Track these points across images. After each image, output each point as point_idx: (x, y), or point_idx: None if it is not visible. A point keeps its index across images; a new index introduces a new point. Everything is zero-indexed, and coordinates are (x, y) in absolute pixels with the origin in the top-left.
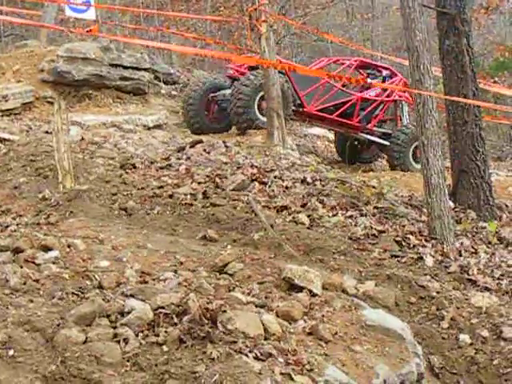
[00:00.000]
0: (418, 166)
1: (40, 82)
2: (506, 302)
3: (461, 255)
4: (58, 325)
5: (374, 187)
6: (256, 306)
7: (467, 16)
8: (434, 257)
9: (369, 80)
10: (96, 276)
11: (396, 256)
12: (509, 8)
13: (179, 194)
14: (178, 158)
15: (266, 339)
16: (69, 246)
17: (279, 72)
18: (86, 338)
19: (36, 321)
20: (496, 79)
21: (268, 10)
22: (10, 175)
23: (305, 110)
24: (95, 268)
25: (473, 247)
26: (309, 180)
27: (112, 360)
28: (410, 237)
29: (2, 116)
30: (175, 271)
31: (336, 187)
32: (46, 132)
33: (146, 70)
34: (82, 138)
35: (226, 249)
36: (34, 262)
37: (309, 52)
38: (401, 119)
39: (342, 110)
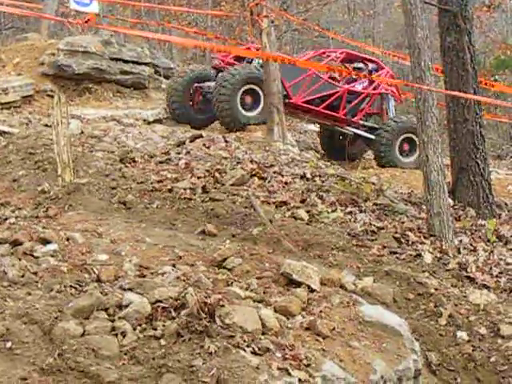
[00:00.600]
0: (405, 161)
1: (40, 75)
2: (504, 299)
3: (459, 253)
4: (56, 317)
5: (373, 184)
6: (254, 301)
7: (469, 14)
8: (432, 254)
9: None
10: (94, 269)
11: (395, 252)
12: (511, 6)
13: (178, 188)
14: (178, 153)
15: (263, 334)
16: (67, 239)
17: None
18: (84, 331)
19: (34, 313)
20: (497, 77)
21: (269, 5)
22: (9, 168)
23: (290, 101)
24: (94, 261)
25: (472, 245)
26: (308, 176)
27: (109, 353)
28: (409, 233)
29: (2, 109)
30: (174, 265)
31: (335, 183)
32: (46, 125)
33: (146, 64)
34: (82, 132)
35: (224, 243)
36: (32, 255)
37: (310, 48)
38: (387, 113)
39: (328, 102)
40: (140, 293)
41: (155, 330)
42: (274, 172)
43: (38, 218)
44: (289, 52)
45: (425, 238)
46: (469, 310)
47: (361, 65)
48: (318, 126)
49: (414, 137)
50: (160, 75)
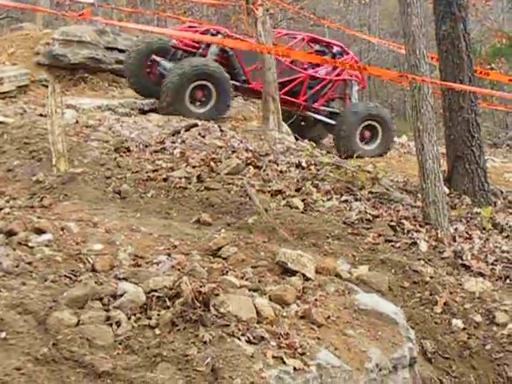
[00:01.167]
0: (366, 148)
1: (35, 64)
2: (500, 287)
3: (455, 241)
4: (51, 307)
5: (369, 172)
6: (249, 290)
7: (464, 1)
8: (428, 242)
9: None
10: (89, 259)
11: (390, 241)
12: None
13: (173, 177)
14: (173, 142)
15: (258, 323)
16: (62, 229)
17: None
18: (79, 320)
19: (28, 303)
20: (493, 65)
21: None
22: (4, 158)
23: (249, 86)
24: (88, 251)
25: (467, 233)
26: (303, 164)
27: (104, 343)
28: (405, 222)
29: None
30: (168, 254)
31: (331, 172)
32: (41, 115)
33: None
34: (77, 122)
35: (219, 232)
36: (27, 245)
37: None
38: (350, 98)
39: (288, 87)
40: (135, 282)
41: (150, 319)
42: (270, 161)
43: (33, 207)
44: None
45: (420, 226)
46: (464, 297)
47: (324, 49)
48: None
49: (376, 124)
50: None
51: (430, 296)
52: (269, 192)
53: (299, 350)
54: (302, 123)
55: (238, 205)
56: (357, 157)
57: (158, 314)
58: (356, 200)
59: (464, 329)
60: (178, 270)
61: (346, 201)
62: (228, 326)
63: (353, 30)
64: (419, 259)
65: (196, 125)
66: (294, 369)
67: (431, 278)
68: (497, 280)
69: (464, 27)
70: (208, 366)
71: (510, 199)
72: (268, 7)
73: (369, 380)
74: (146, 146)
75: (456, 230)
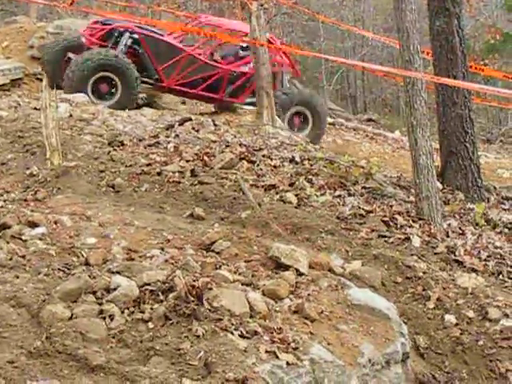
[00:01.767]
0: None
1: (29, 58)
2: (493, 283)
3: (448, 236)
4: (44, 301)
5: (362, 167)
6: (242, 284)
7: None
8: (421, 237)
9: None
10: (82, 253)
11: (383, 236)
12: None
13: (167, 171)
14: (167, 136)
15: (251, 317)
16: (56, 223)
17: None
18: (72, 314)
19: (22, 297)
20: (487, 61)
21: None
22: None
23: (163, 84)
24: (82, 245)
25: (460, 228)
26: (297, 159)
27: (97, 336)
28: (398, 217)
29: None
30: (162, 249)
31: (324, 167)
32: (35, 108)
33: None
34: (71, 115)
35: (213, 227)
36: (20, 238)
37: (300, 32)
38: (282, 86)
39: (206, 83)
40: (128, 276)
41: (143, 313)
42: (263, 155)
43: (27, 201)
44: (278, 36)
45: (413, 221)
46: (457, 293)
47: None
48: None
49: (305, 111)
50: None
51: (422, 291)
52: (262, 187)
53: (292, 345)
54: None
55: (231, 199)
56: None
57: (151, 308)
58: (349, 195)
59: (457, 324)
60: (172, 264)
61: (339, 196)
62: (221, 320)
63: (347, 24)
64: (412, 254)
65: (190, 119)
66: (287, 363)
67: (424, 273)
68: (490, 276)
69: (458, 23)
70: (201, 360)
71: (503, 195)
72: (262, 2)
73: (361, 375)
74: (140, 140)
75: (449, 225)
